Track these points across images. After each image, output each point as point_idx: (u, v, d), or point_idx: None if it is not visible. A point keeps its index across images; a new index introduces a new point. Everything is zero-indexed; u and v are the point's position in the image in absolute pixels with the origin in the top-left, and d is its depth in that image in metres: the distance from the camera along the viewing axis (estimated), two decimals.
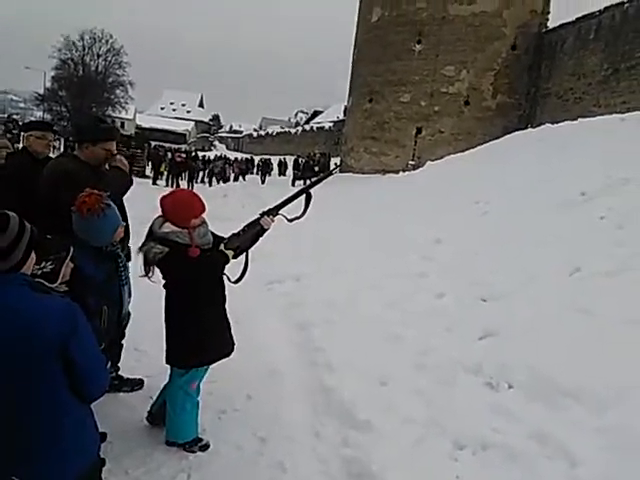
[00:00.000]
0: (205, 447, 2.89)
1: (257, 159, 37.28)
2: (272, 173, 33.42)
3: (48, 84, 43.90)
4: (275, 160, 37.70)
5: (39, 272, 1.80)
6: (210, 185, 23.48)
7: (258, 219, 2.95)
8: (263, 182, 26.43)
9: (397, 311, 4.69)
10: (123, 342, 3.41)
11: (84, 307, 1.69)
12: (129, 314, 3.23)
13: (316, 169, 23.58)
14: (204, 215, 2.77)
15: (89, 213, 2.24)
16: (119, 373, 3.47)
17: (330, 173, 4.29)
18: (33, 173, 3.52)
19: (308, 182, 20.34)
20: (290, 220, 3.04)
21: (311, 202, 3.14)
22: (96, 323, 2.14)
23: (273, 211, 2.99)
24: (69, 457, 1.61)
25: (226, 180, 27.53)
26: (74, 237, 2.28)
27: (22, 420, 1.52)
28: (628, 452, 2.46)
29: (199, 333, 2.75)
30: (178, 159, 21.22)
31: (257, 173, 34.15)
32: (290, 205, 3.07)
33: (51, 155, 3.74)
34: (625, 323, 3.41)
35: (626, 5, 15.67)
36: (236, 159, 33.77)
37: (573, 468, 2.45)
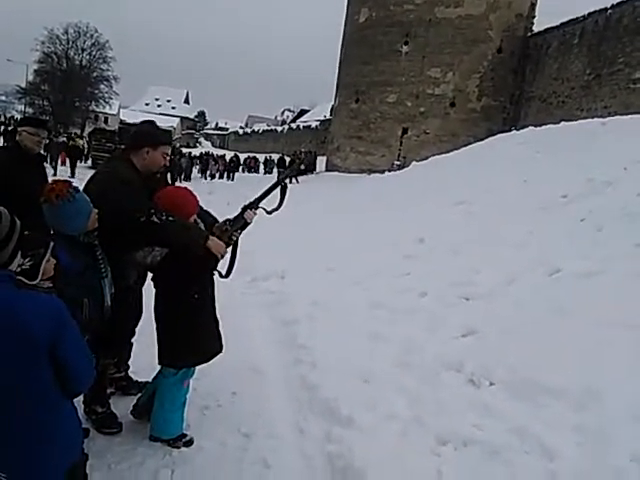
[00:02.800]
0: (189, 443, 2.89)
1: (243, 156, 37.30)
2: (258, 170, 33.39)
3: (30, 77, 43.25)
4: (261, 157, 37.72)
5: (18, 269, 1.78)
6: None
7: (241, 213, 2.97)
8: (231, 179, 26.47)
9: (380, 309, 4.73)
10: (133, 341, 3.33)
11: (63, 298, 1.68)
12: (141, 313, 3.20)
13: (302, 167, 23.59)
14: None
15: (59, 199, 2.24)
16: (129, 374, 3.44)
17: (300, 166, 4.36)
18: (23, 168, 3.50)
19: (294, 180, 20.45)
20: (269, 212, 3.07)
21: (287, 194, 3.15)
22: (78, 315, 2.13)
23: (254, 204, 3.01)
24: (57, 453, 1.61)
25: (212, 177, 27.50)
26: (50, 230, 2.28)
27: (11, 417, 1.51)
28: (603, 449, 2.52)
29: (194, 332, 2.77)
30: None
31: (242, 171, 34.18)
32: (269, 197, 3.09)
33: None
34: (603, 323, 3.49)
35: (609, 11, 15.97)
36: (222, 156, 33.59)
37: (550, 462, 2.51)
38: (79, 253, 2.34)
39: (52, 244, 1.92)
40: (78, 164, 21.60)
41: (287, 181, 3.25)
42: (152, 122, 3.15)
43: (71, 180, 2.36)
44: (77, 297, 2.22)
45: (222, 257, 2.81)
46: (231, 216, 2.97)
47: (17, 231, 1.56)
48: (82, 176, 14.57)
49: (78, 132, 38.93)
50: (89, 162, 24.91)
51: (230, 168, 29.32)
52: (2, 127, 28.80)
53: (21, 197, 3.04)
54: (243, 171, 35.54)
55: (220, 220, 3.00)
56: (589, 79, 16.53)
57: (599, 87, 16.06)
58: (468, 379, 3.39)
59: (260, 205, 3.03)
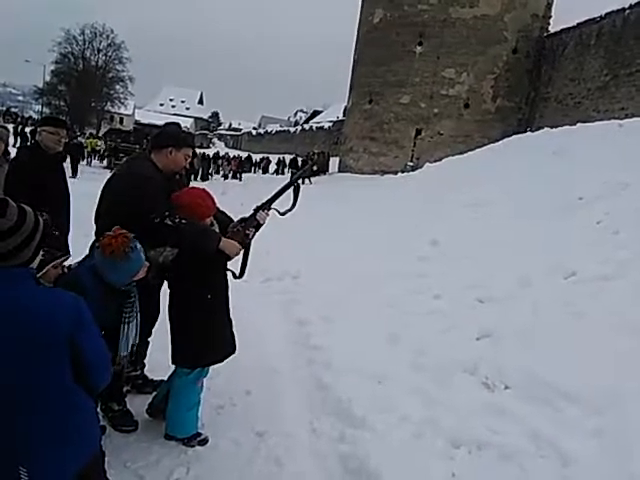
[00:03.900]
0: (204, 442, 2.91)
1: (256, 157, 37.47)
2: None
3: (47, 78, 43.80)
4: (274, 158, 37.88)
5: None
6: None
7: (254, 214, 2.98)
8: (239, 179, 26.86)
9: (394, 311, 4.72)
10: (149, 340, 3.37)
11: None
12: (158, 313, 3.20)
13: (314, 168, 23.57)
14: None
15: (111, 256, 2.23)
16: (145, 373, 3.47)
17: (312, 167, 4.32)
18: (43, 168, 3.57)
19: (307, 181, 20.42)
20: (282, 213, 3.07)
21: (299, 194, 3.15)
22: None
23: (266, 205, 3.02)
24: (76, 448, 1.63)
25: (225, 177, 27.68)
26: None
27: (33, 412, 1.53)
28: (620, 454, 2.49)
29: (207, 332, 2.79)
30: None
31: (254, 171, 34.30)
32: (282, 198, 3.10)
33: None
34: (619, 327, 3.45)
35: (627, 11, 15.75)
36: (234, 156, 33.75)
37: (565, 467, 2.49)
38: (111, 300, 2.33)
39: (69, 257, 1.93)
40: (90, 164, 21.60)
41: (300, 182, 3.25)
42: (177, 124, 3.19)
43: (130, 235, 2.30)
44: None
45: (235, 256, 2.83)
46: (245, 216, 2.99)
47: (40, 231, 1.58)
48: (95, 175, 14.70)
49: (94, 132, 39.38)
50: (104, 162, 25.19)
51: (239, 169, 29.50)
52: (19, 127, 29.17)
53: (42, 196, 3.09)
54: (255, 172, 35.73)
55: (234, 219, 3.02)
56: (606, 80, 16.32)
57: (616, 88, 15.84)
58: (482, 382, 3.37)
59: (273, 206, 3.04)
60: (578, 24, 18.22)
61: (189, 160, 3.03)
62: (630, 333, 3.35)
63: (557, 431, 2.74)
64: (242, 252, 2.96)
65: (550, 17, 21.35)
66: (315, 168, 23.50)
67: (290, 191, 3.12)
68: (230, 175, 28.81)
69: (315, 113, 68.65)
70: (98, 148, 27.06)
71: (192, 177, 22.13)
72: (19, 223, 1.51)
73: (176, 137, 2.97)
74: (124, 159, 5.17)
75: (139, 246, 2.32)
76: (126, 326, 2.47)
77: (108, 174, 3.21)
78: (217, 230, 2.85)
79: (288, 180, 3.22)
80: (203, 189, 2.92)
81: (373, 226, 8.28)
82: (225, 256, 2.80)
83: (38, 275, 1.84)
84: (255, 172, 35.49)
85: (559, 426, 2.78)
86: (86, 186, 6.74)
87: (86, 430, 1.70)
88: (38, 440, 1.54)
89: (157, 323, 3.25)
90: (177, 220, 2.59)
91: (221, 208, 3.13)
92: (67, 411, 1.60)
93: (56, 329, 1.51)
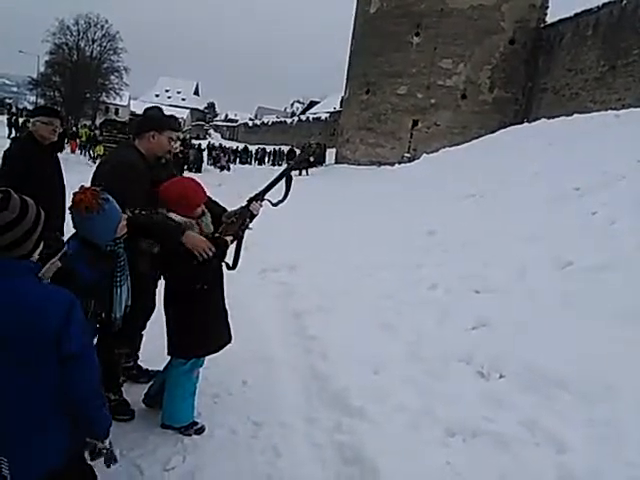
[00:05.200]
0: (200, 430, 2.92)
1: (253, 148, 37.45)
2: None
3: (42, 69, 43.39)
4: (270, 150, 37.86)
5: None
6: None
7: (247, 206, 2.97)
8: (227, 169, 27.07)
9: (391, 301, 4.73)
10: (143, 333, 3.38)
11: None
12: (154, 306, 3.21)
13: (311, 159, 23.54)
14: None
15: (87, 211, 2.16)
16: (139, 363, 3.48)
17: (305, 158, 4.29)
18: (37, 158, 3.54)
19: (304, 172, 20.35)
20: (275, 204, 3.06)
21: (292, 185, 3.12)
22: None
23: (259, 196, 3.01)
24: (58, 442, 1.62)
25: (221, 168, 27.66)
26: (75, 233, 2.26)
27: (18, 404, 1.52)
28: (614, 443, 2.51)
29: (203, 323, 2.79)
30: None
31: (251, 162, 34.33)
32: (276, 189, 3.08)
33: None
34: (615, 317, 3.47)
35: (624, 2, 15.70)
36: (230, 147, 33.74)
37: (560, 455, 2.51)
38: (98, 262, 2.28)
39: (64, 250, 1.92)
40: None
41: (292, 172, 3.24)
42: (158, 108, 3.15)
43: (98, 188, 2.24)
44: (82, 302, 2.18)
45: (202, 250, 2.67)
46: (239, 207, 2.98)
47: (41, 222, 1.57)
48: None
49: (89, 123, 39.11)
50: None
51: (228, 160, 29.58)
52: (14, 118, 28.97)
53: (36, 187, 3.07)
54: (251, 163, 35.79)
55: (228, 209, 3.01)
56: (603, 71, 16.30)
57: (613, 79, 15.82)
58: (477, 371, 3.39)
59: (266, 197, 3.03)
60: (575, 14, 18.17)
61: (174, 144, 2.99)
62: (625, 322, 3.37)
63: (552, 419, 2.75)
64: (235, 243, 2.96)
65: (547, 7, 21.28)
66: (312, 159, 23.46)
67: (283, 182, 3.11)
68: (225, 166, 28.80)
69: (312, 104, 68.28)
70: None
71: (186, 168, 22.07)
72: (21, 215, 1.50)
73: (158, 120, 2.94)
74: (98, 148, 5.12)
75: (111, 198, 2.25)
76: (119, 289, 2.44)
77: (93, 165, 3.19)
78: (209, 220, 2.82)
79: (280, 171, 3.20)
80: (193, 179, 2.89)
81: (370, 217, 8.29)
82: (223, 247, 2.79)
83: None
84: (251, 163, 35.52)
85: (554, 414, 2.79)
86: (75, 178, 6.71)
87: (69, 425, 1.69)
88: (21, 432, 1.53)
89: (154, 313, 3.25)
90: (136, 211, 2.51)
91: (217, 199, 3.12)
92: (53, 405, 1.59)
93: (45, 323, 1.49)
